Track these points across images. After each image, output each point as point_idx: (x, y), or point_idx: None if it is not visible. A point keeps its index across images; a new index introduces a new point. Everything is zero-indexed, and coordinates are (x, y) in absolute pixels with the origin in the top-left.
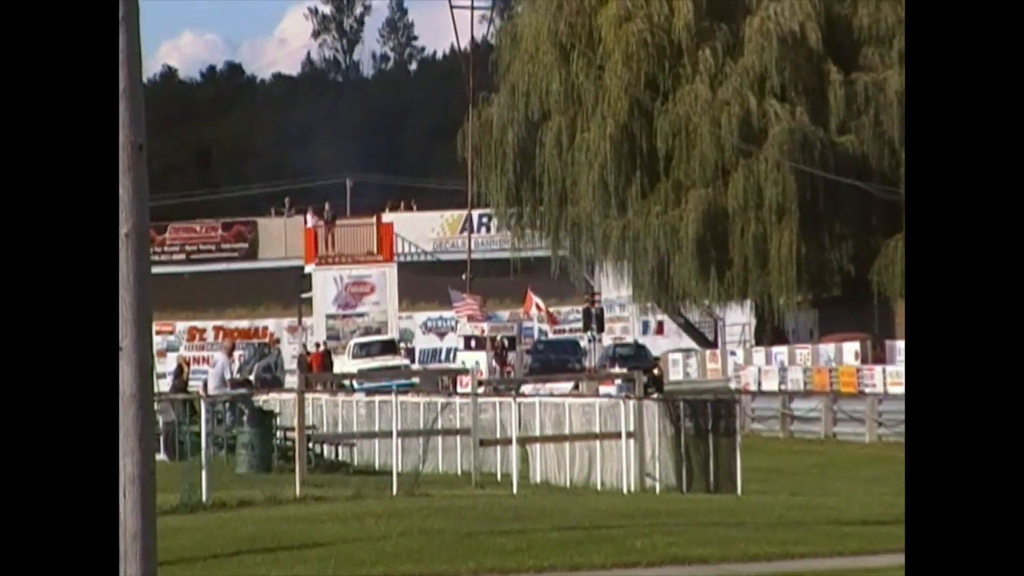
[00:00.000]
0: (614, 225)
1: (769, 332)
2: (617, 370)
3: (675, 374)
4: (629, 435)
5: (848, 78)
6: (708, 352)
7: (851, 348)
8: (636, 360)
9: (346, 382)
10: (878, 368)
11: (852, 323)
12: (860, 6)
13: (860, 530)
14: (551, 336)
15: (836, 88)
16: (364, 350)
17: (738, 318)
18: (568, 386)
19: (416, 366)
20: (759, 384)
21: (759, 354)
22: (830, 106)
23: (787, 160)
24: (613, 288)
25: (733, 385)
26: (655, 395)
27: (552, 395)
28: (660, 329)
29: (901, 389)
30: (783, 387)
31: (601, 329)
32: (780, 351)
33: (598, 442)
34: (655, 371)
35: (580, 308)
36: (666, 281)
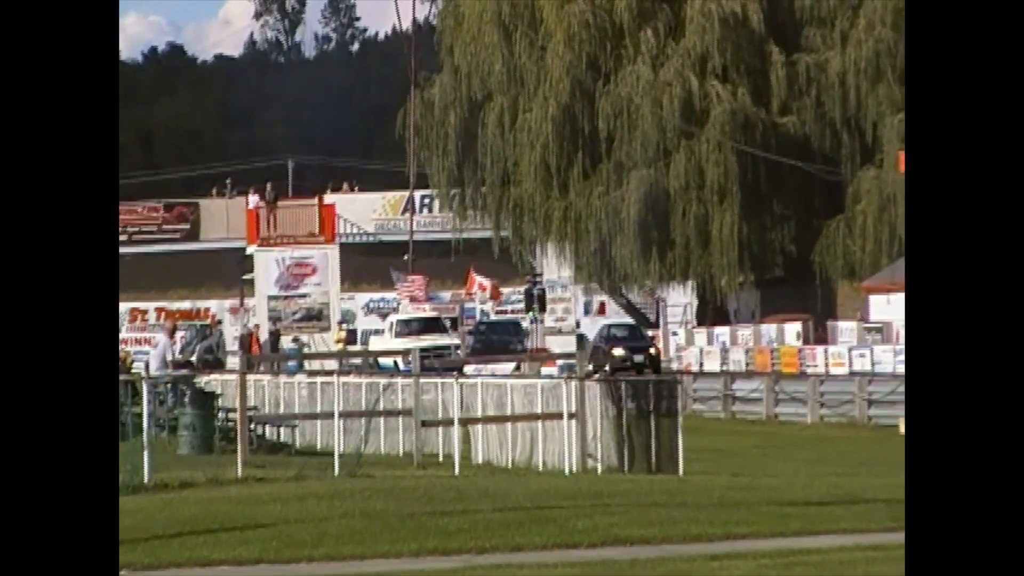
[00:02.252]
0: (556, 206)
1: (711, 313)
2: (614, 350)
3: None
4: (571, 416)
5: (790, 59)
6: (650, 333)
7: (793, 329)
8: (632, 340)
9: (388, 361)
10: (820, 349)
11: (794, 304)
12: None
13: (802, 510)
14: (493, 317)
15: (778, 69)
16: (407, 327)
17: (680, 299)
18: (510, 367)
19: (357, 347)
20: (701, 365)
21: (701, 335)
22: (772, 87)
23: (729, 141)
24: (555, 269)
25: (675, 366)
26: (652, 375)
27: (494, 375)
28: (602, 310)
29: (842, 370)
30: (725, 368)
31: (543, 310)
32: (722, 332)
33: (540, 423)
34: (652, 351)
35: (522, 289)
36: (608, 262)
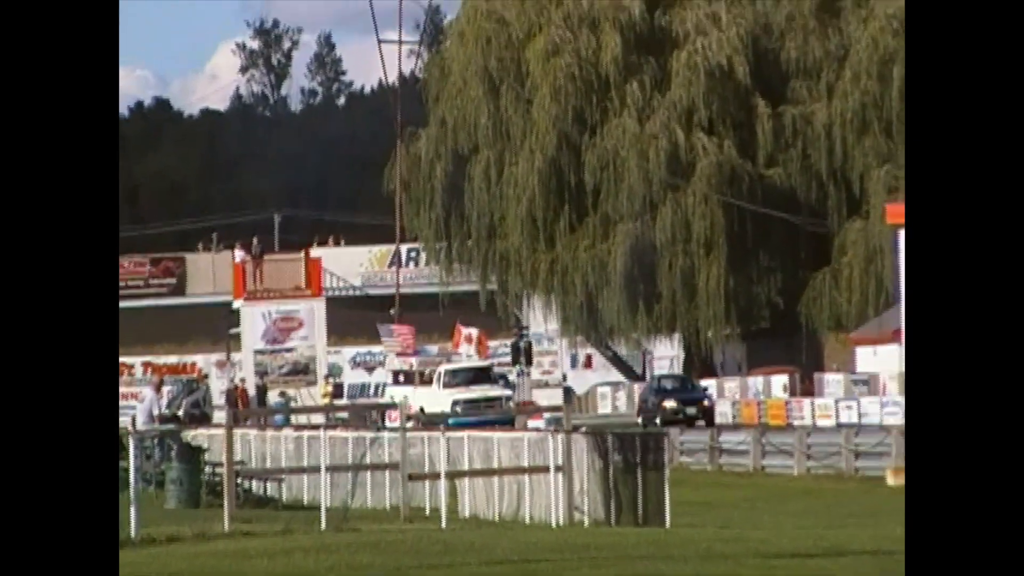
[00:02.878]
0: (542, 259)
1: (698, 365)
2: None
3: (604, 407)
4: (557, 469)
5: (776, 111)
6: (637, 386)
7: (780, 381)
8: (683, 392)
9: (431, 412)
10: (806, 401)
11: (780, 356)
12: (788, 39)
13: (789, 563)
14: None
15: (764, 121)
16: (456, 378)
17: (667, 351)
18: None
19: (344, 401)
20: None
21: None
22: (758, 139)
23: (715, 193)
24: (542, 322)
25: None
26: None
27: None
28: (589, 363)
29: (829, 422)
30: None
31: (529, 363)
32: (709, 384)
33: (526, 476)
34: (705, 403)
35: (508, 342)
36: (595, 315)
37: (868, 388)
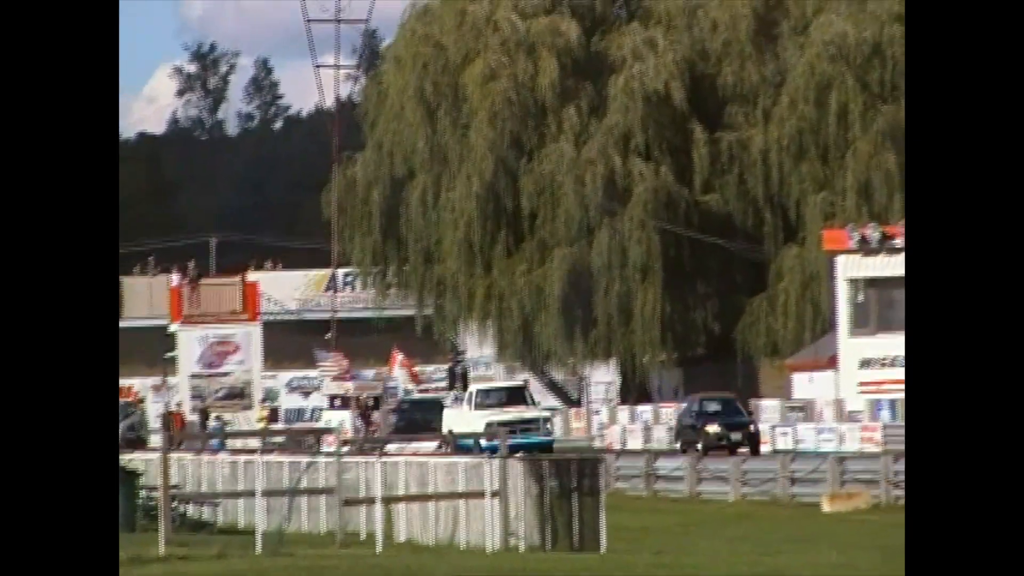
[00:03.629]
0: (479, 284)
1: (634, 391)
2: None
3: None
4: (493, 494)
5: (713, 137)
6: (573, 411)
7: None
8: (728, 416)
9: (465, 438)
10: None
11: (716, 382)
12: (724, 65)
13: None
14: (416, 395)
15: (700, 147)
16: (489, 398)
17: (603, 377)
18: (433, 445)
19: (280, 426)
20: (624, 443)
21: (624, 413)
22: (694, 165)
23: (651, 219)
24: (478, 347)
25: (598, 444)
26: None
27: (416, 454)
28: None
29: (765, 448)
30: (648, 446)
31: (465, 388)
32: (645, 410)
33: (462, 501)
34: (751, 428)
35: (445, 367)
36: (531, 340)
37: (804, 414)
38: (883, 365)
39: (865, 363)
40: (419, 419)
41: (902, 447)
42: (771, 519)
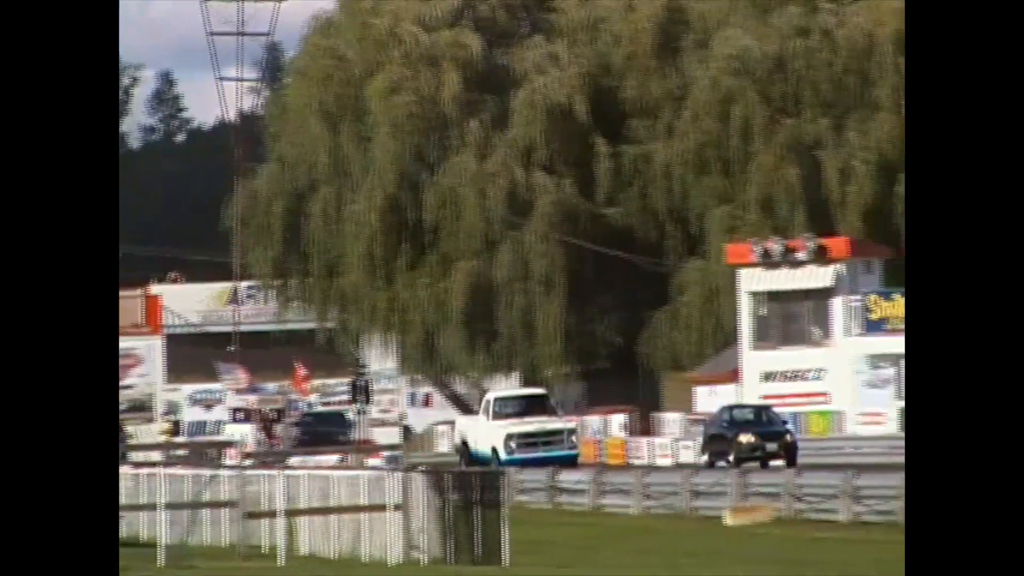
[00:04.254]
0: (381, 297)
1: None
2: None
3: (443, 446)
4: (396, 507)
5: (615, 150)
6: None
7: (618, 420)
8: (761, 425)
9: (483, 448)
10: (645, 440)
11: (619, 395)
12: (627, 79)
13: None
14: (319, 408)
15: (603, 160)
16: (507, 407)
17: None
18: (335, 458)
19: (182, 439)
20: None
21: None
22: (597, 178)
23: (554, 232)
24: (381, 360)
25: None
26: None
27: (319, 467)
28: (428, 401)
29: (668, 461)
30: None
31: (368, 401)
32: None
33: (364, 514)
34: (787, 438)
35: (347, 380)
36: (433, 353)
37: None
38: (785, 378)
39: (767, 376)
40: (322, 432)
41: (803, 460)
42: (674, 533)
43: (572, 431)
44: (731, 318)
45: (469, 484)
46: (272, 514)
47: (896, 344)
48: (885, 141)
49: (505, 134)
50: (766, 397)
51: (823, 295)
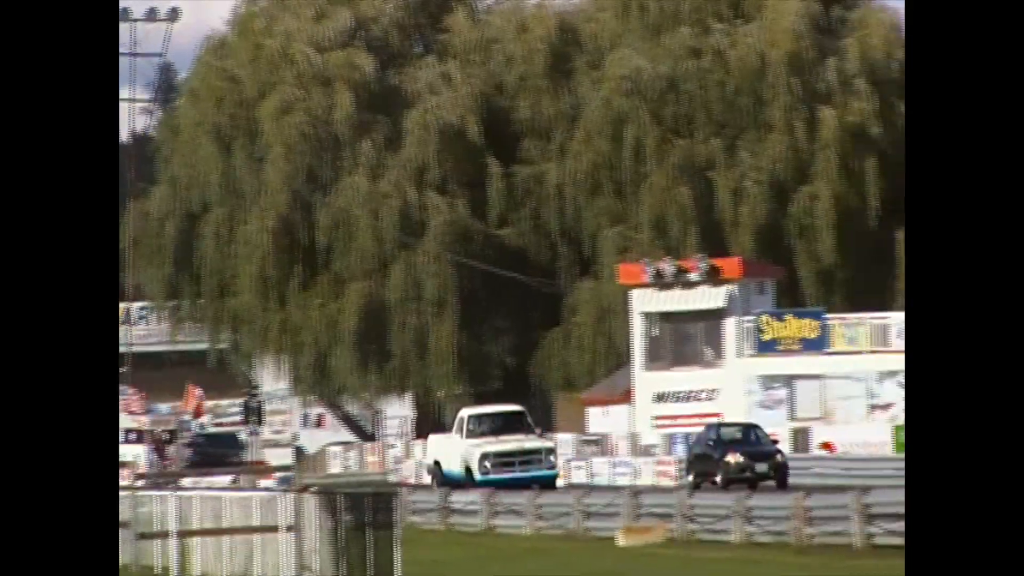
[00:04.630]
0: (274, 318)
1: (429, 425)
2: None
3: (334, 467)
4: (288, 528)
5: (508, 170)
6: (368, 445)
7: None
8: (750, 444)
9: (455, 470)
10: None
11: None
12: (520, 99)
13: None
14: (211, 429)
15: (496, 180)
16: (482, 425)
17: (398, 410)
18: (228, 479)
19: None
20: (418, 477)
21: (418, 447)
22: (490, 198)
23: (446, 252)
24: (273, 381)
25: (392, 478)
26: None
27: (211, 488)
28: (320, 422)
29: (560, 482)
30: None
31: (260, 422)
32: None
33: (257, 535)
34: (779, 458)
35: (240, 401)
36: (326, 373)
37: (599, 448)
38: (678, 399)
39: (660, 397)
40: (214, 453)
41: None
42: (566, 553)
43: (551, 450)
44: (624, 338)
45: (361, 505)
46: (164, 535)
47: (788, 364)
48: (777, 161)
49: (398, 155)
50: (658, 418)
51: (715, 316)
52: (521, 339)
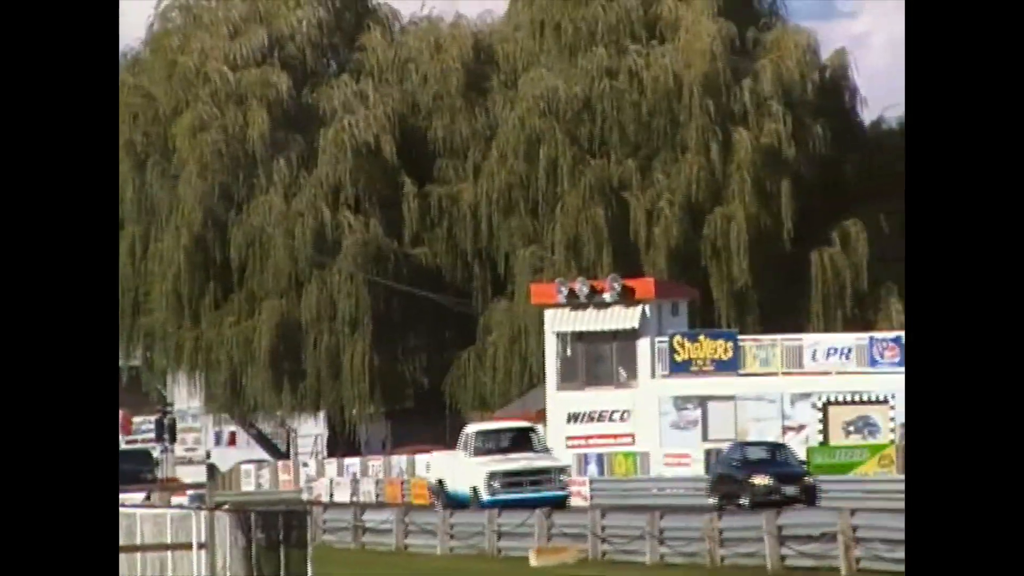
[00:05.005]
0: (187, 335)
1: (342, 443)
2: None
3: (247, 485)
4: (200, 546)
5: (422, 190)
6: (281, 463)
7: (424, 460)
8: (777, 466)
9: (460, 490)
10: None
11: (425, 435)
12: (435, 119)
13: None
14: (123, 446)
15: (410, 200)
16: (489, 442)
17: (311, 429)
18: (140, 496)
19: None
20: (331, 495)
21: (331, 465)
22: (404, 218)
23: (361, 272)
24: (186, 398)
25: (305, 496)
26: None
27: (123, 505)
28: (233, 440)
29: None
30: (355, 498)
31: (173, 440)
32: (352, 462)
33: (169, 553)
34: (807, 479)
35: (152, 418)
36: (239, 392)
37: None
38: (591, 419)
39: (573, 417)
40: (126, 470)
41: (608, 501)
42: (478, 573)
43: (562, 469)
44: (537, 359)
45: (274, 523)
46: None
47: (701, 386)
48: (692, 183)
49: (312, 173)
50: (571, 438)
51: (629, 336)
52: (435, 358)
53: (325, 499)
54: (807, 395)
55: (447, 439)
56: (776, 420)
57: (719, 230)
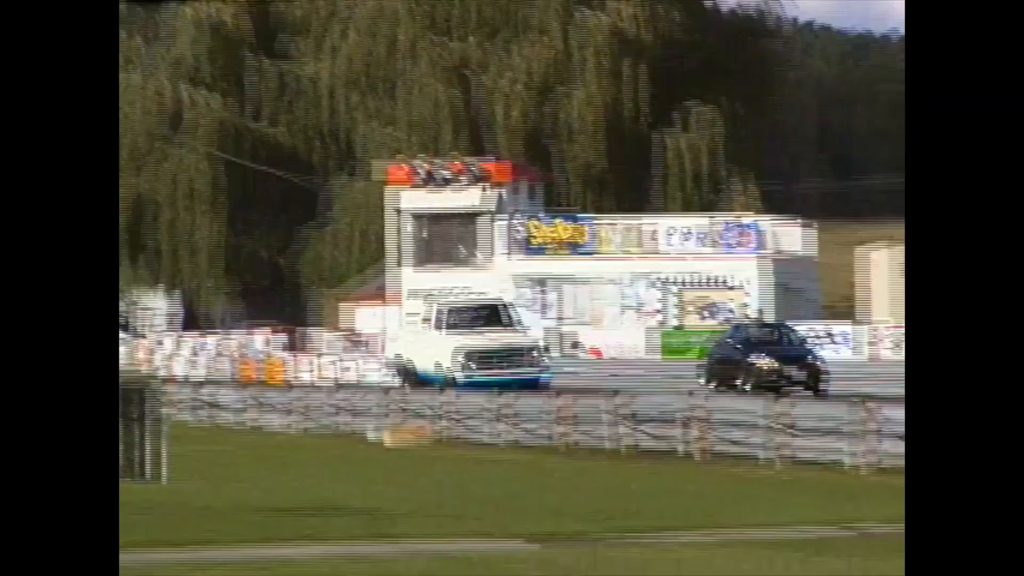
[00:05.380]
0: None
1: (196, 321)
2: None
3: None
4: None
5: (275, 68)
6: (136, 341)
7: (277, 339)
8: (781, 346)
9: (430, 369)
10: (304, 359)
11: (275, 312)
12: None
13: (280, 520)
14: None
15: (265, 79)
16: (460, 318)
17: (166, 307)
18: None
19: None
20: (187, 373)
21: (186, 343)
22: (255, 95)
23: (211, 149)
24: None
25: (161, 373)
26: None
27: None
28: None
29: (327, 380)
30: (209, 376)
31: None
32: (206, 341)
33: None
34: (817, 363)
35: None
36: None
37: (366, 348)
38: None
39: (419, 296)
40: None
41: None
42: (333, 451)
43: (540, 348)
44: (384, 237)
45: (129, 401)
46: None
47: (553, 267)
48: (545, 64)
49: (168, 52)
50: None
51: (485, 218)
52: (282, 236)
53: (180, 376)
54: (662, 279)
55: (302, 317)
56: (631, 303)
57: (573, 113)
